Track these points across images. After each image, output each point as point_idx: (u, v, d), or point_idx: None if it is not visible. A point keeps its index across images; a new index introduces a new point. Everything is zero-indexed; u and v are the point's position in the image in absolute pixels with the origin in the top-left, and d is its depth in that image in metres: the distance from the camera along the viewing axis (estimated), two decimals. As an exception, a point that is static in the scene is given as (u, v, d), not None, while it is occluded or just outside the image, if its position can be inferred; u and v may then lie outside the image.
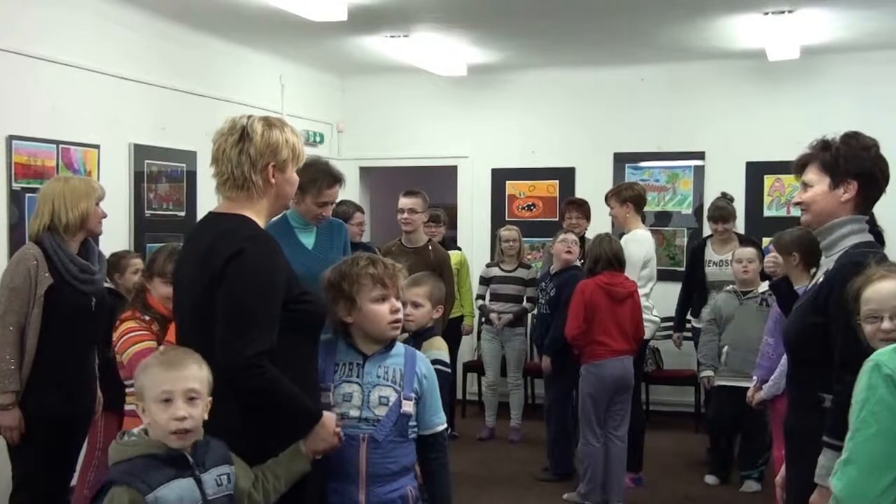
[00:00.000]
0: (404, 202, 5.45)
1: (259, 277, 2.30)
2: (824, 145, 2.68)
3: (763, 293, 5.23)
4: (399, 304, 2.63)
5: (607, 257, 5.18)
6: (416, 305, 3.21)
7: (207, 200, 4.83)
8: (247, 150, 2.41)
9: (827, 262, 2.67)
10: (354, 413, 2.53)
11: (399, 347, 2.67)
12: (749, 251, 5.47)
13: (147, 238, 5.80)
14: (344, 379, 2.57)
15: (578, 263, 5.81)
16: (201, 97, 6.39)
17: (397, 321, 2.62)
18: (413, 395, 2.59)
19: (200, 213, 5.46)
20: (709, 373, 5.52)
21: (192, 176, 6.27)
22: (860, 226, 2.66)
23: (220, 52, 6.75)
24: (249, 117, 2.48)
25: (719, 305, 5.54)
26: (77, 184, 3.81)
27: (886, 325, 2.25)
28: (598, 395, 5.14)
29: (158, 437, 2.16)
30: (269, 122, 2.48)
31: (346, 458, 2.50)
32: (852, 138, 2.69)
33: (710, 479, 5.78)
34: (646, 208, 6.20)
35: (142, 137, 5.88)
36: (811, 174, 2.67)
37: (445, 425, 2.70)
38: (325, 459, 2.48)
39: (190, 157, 6.23)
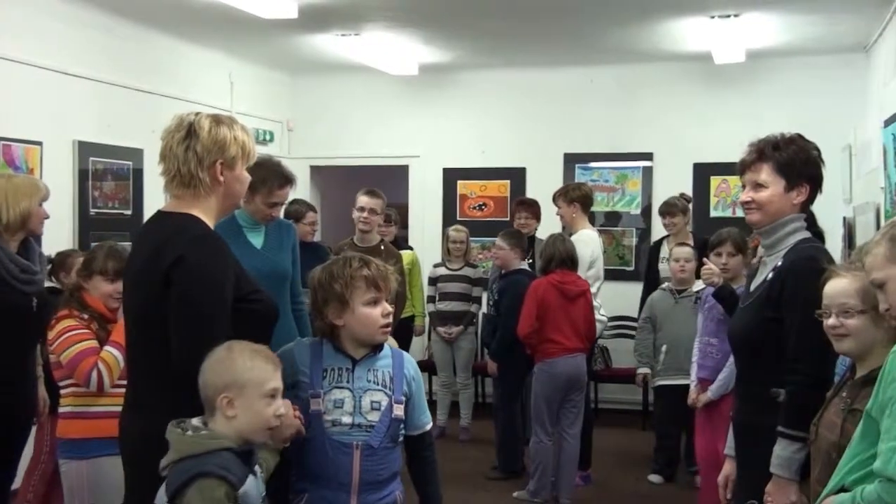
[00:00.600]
0: (365, 201, 5.34)
1: (203, 280, 2.27)
2: (774, 146, 2.70)
3: (697, 292, 5.28)
4: (390, 308, 2.54)
5: (560, 256, 5.23)
6: None
7: (155, 199, 4.76)
8: (193, 147, 2.37)
9: (773, 260, 2.71)
10: (346, 419, 2.44)
11: (386, 350, 2.57)
12: (686, 250, 5.49)
13: (92, 237, 5.68)
14: (334, 385, 2.46)
15: (525, 265, 5.84)
16: (148, 94, 6.29)
17: (388, 325, 2.53)
18: (403, 398, 2.52)
19: (147, 212, 5.37)
20: (645, 370, 5.63)
21: (138, 174, 6.17)
22: (801, 223, 2.72)
23: (168, 48, 6.65)
24: (197, 114, 2.44)
25: (654, 303, 5.60)
26: (21, 182, 3.74)
27: (831, 321, 2.32)
28: (551, 394, 5.18)
29: (245, 431, 2.12)
30: (217, 119, 2.43)
31: (340, 467, 2.42)
32: (800, 141, 2.73)
33: (655, 479, 5.83)
34: (595, 208, 6.26)
35: (86, 134, 5.77)
36: (765, 175, 2.68)
37: (431, 424, 2.67)
38: (315, 467, 2.44)
39: (136, 154, 6.12)
